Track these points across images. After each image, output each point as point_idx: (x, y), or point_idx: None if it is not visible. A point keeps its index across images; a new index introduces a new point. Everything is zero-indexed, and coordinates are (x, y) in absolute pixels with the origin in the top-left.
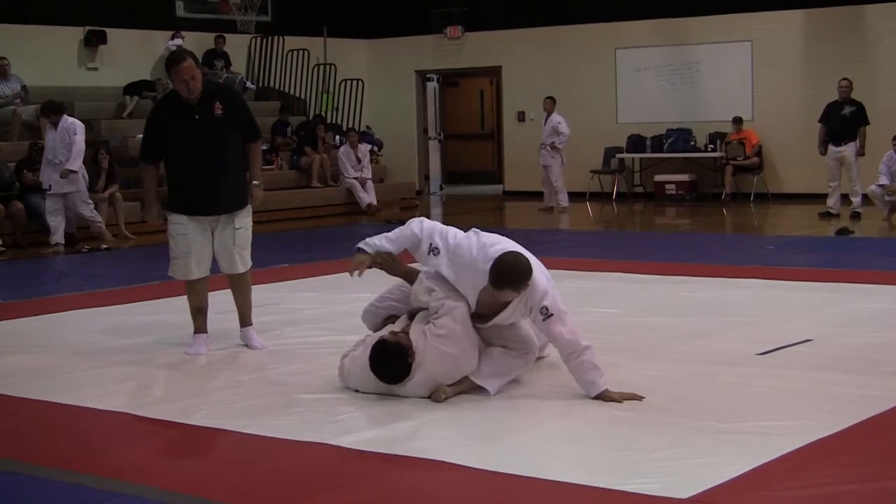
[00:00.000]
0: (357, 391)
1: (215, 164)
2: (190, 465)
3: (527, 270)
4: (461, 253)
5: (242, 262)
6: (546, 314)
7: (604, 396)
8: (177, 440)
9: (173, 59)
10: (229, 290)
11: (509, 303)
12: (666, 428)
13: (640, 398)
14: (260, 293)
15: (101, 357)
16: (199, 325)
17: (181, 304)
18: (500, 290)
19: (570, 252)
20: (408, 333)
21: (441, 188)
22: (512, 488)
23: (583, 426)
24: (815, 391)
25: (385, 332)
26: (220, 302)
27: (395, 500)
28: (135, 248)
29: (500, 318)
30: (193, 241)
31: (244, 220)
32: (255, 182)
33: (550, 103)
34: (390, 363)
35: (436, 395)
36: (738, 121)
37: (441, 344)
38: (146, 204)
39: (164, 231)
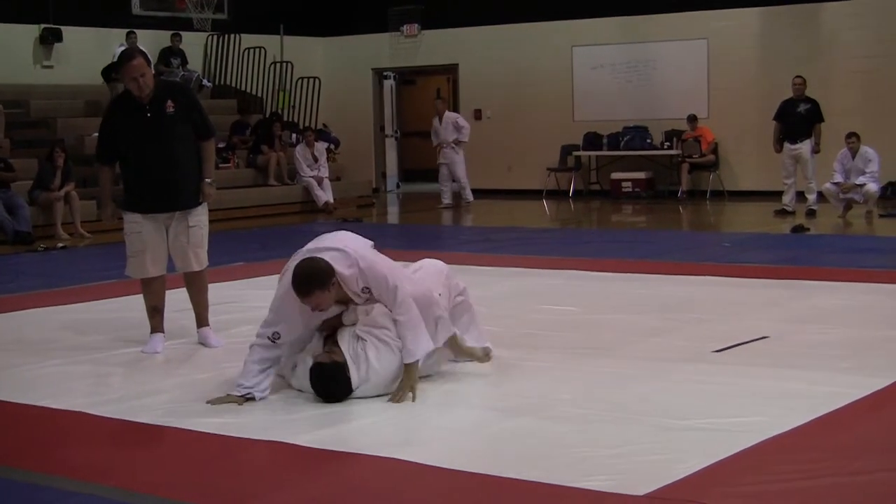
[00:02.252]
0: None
1: (168, 162)
2: (147, 464)
3: (310, 273)
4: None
5: (197, 260)
6: (368, 292)
7: (409, 368)
8: (133, 438)
9: (124, 57)
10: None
11: (341, 302)
12: (622, 425)
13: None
14: (217, 291)
15: (57, 355)
16: (156, 324)
17: (138, 302)
18: (307, 297)
19: (526, 249)
20: (338, 346)
21: (398, 186)
22: (467, 486)
23: (535, 424)
24: (771, 388)
25: (319, 353)
26: (178, 300)
27: (351, 498)
28: (91, 246)
29: (349, 317)
30: (148, 240)
31: (198, 219)
32: (207, 180)
33: (442, 104)
34: (334, 383)
35: (396, 397)
36: (692, 118)
37: (380, 333)
38: (101, 203)
39: (120, 230)
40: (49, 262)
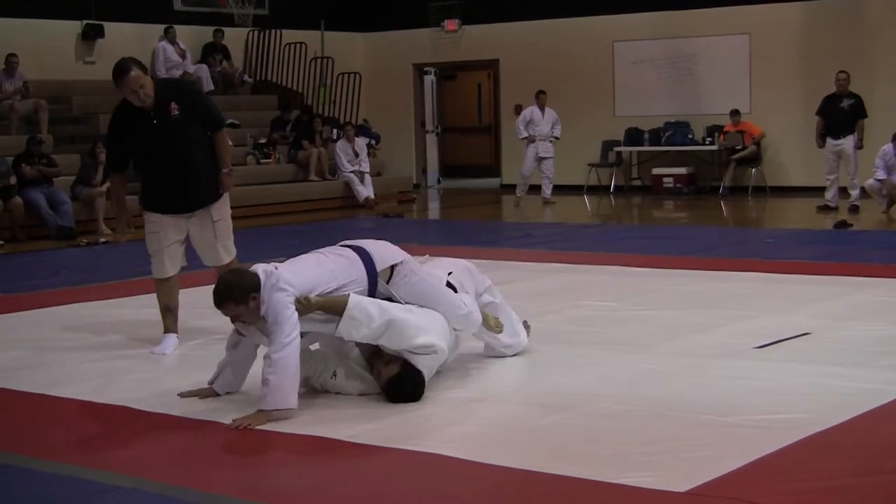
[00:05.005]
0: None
1: (181, 165)
2: (189, 459)
3: (220, 291)
4: None
5: (227, 252)
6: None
7: (256, 412)
8: (175, 433)
9: (118, 71)
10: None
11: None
12: (663, 421)
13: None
14: None
15: (100, 350)
16: (169, 325)
17: (180, 297)
18: (221, 309)
19: (567, 245)
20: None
21: (438, 181)
22: (509, 481)
23: (577, 420)
24: (813, 385)
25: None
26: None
27: (393, 492)
28: (133, 241)
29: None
30: (165, 239)
31: (221, 212)
32: (224, 170)
33: (544, 97)
34: (414, 391)
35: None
36: (735, 113)
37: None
38: (116, 214)
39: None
40: (91, 257)
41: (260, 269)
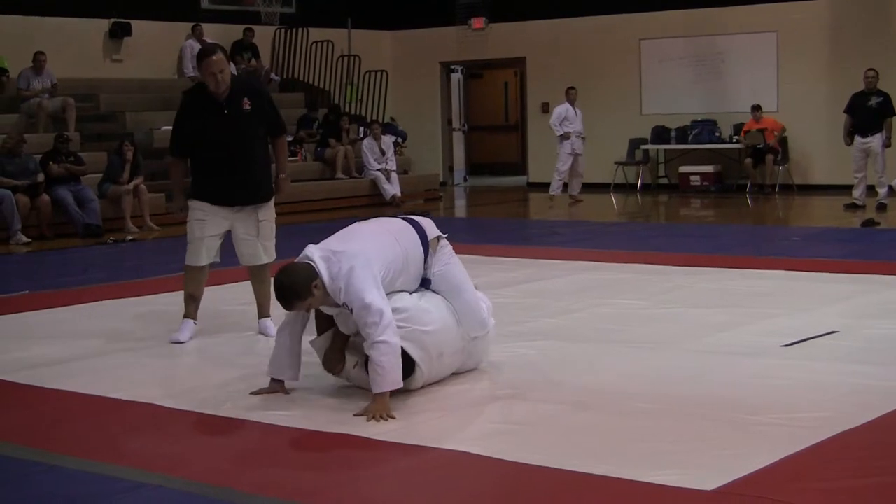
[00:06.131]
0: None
1: (243, 159)
2: (214, 455)
3: (282, 290)
4: None
5: (267, 253)
6: (347, 309)
7: (374, 399)
8: (201, 430)
9: (204, 52)
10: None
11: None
12: (690, 419)
13: (391, 417)
14: None
15: (127, 347)
16: (190, 312)
17: (207, 294)
18: (289, 309)
19: (594, 244)
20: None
21: (465, 179)
22: (535, 479)
23: (604, 418)
24: (840, 383)
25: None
26: (243, 292)
27: (420, 490)
28: (159, 239)
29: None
30: (208, 229)
31: (267, 213)
32: (282, 175)
33: (575, 93)
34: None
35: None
36: (756, 108)
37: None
38: (173, 196)
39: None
40: (118, 255)
41: (316, 255)
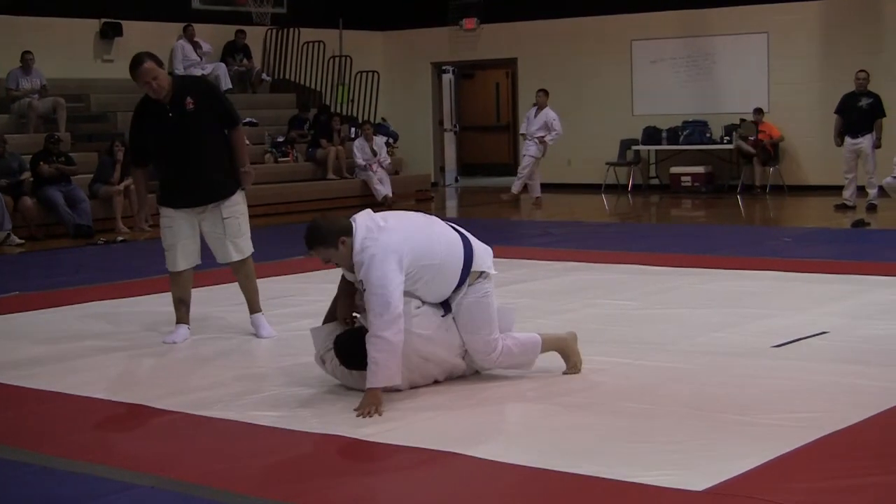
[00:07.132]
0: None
1: (193, 159)
2: (206, 456)
3: (312, 230)
4: None
5: (237, 250)
6: (362, 287)
7: (366, 394)
8: (193, 431)
9: (134, 63)
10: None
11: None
12: (681, 420)
13: (378, 414)
14: (275, 285)
15: (119, 348)
16: (181, 316)
17: (198, 295)
18: (311, 251)
19: (586, 244)
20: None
21: (456, 180)
22: (527, 481)
23: (596, 418)
24: (831, 383)
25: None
26: (231, 293)
27: (411, 493)
28: (150, 239)
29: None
30: (179, 234)
31: (232, 209)
32: (242, 169)
33: (544, 97)
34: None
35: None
36: (759, 111)
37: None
38: (136, 208)
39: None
40: (109, 256)
41: (361, 219)
